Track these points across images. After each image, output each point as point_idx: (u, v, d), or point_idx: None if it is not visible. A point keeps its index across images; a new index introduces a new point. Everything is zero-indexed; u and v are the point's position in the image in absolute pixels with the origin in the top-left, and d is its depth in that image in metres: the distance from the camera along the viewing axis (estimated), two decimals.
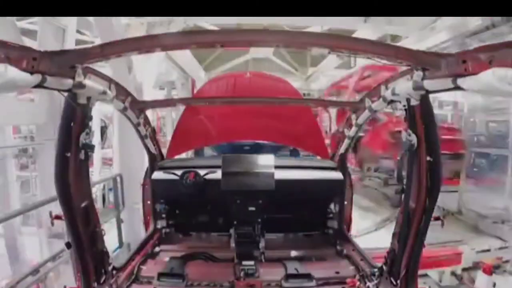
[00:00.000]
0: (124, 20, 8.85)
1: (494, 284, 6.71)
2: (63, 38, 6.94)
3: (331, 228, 5.85)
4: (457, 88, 2.49)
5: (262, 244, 5.09)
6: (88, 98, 3.24)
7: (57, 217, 3.63)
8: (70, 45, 7.45)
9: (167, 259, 4.92)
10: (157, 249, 5.34)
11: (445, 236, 8.62)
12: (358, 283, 4.35)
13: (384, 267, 4.04)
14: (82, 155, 3.37)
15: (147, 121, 5.04)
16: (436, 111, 5.28)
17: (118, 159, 11.18)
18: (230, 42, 3.29)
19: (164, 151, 6.10)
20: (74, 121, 3.21)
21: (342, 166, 5.71)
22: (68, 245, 3.52)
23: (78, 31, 8.71)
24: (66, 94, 3.06)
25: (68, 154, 3.22)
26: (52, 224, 3.69)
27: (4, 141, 9.71)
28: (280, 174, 5.36)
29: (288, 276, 4.44)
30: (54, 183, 3.29)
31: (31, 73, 2.32)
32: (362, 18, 9.64)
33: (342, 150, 5.54)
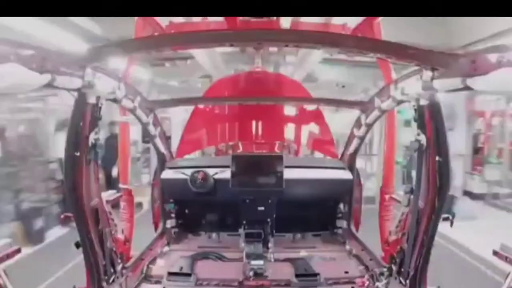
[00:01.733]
0: None
1: None
2: None
3: (340, 227, 5.83)
4: (467, 88, 2.48)
5: (271, 244, 5.09)
6: (98, 98, 3.26)
7: (67, 217, 3.65)
8: None
9: (176, 258, 4.93)
10: (166, 248, 5.35)
11: None
12: (367, 283, 4.33)
13: (393, 267, 4.03)
14: (91, 155, 3.39)
15: (156, 121, 5.06)
16: None
17: None
18: (238, 41, 3.30)
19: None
20: (84, 120, 3.23)
21: (351, 165, 5.69)
22: (77, 244, 3.54)
23: None
24: (75, 93, 3.08)
25: (78, 154, 3.24)
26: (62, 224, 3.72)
27: None
28: (290, 174, 5.36)
29: (297, 276, 4.43)
30: (64, 183, 3.31)
31: (40, 72, 2.33)
32: None
33: (351, 150, 5.52)
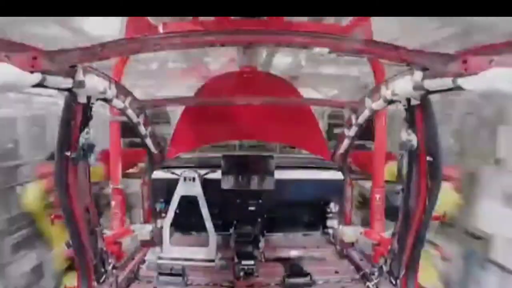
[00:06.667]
0: None
1: None
2: None
3: (331, 228, 5.84)
4: (458, 88, 2.49)
5: (262, 244, 5.09)
6: (88, 98, 3.24)
7: (57, 217, 3.62)
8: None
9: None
10: (157, 248, 5.34)
11: None
12: (358, 283, 4.36)
13: (384, 267, 4.04)
14: (81, 155, 3.37)
15: (147, 121, 5.04)
16: None
17: None
18: (229, 41, 3.30)
19: None
20: (74, 120, 3.21)
21: (342, 166, 5.70)
22: (68, 244, 3.51)
23: None
24: (66, 93, 3.07)
25: (68, 154, 3.22)
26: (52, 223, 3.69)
27: None
28: (281, 174, 5.36)
29: (288, 276, 4.44)
30: (54, 183, 3.29)
31: (31, 72, 2.31)
32: None
33: (342, 150, 5.53)
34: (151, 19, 5.58)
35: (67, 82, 2.82)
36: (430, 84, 2.81)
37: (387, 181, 5.23)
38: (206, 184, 5.37)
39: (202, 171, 5.44)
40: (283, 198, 5.54)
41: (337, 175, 5.64)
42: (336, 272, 4.71)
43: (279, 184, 5.31)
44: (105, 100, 3.62)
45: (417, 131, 3.32)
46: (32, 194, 6.12)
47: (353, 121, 4.86)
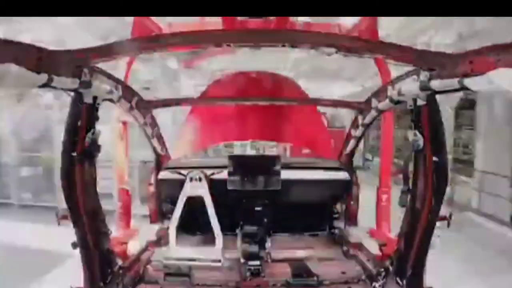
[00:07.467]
0: None
1: None
2: None
3: (338, 228, 5.83)
4: (464, 88, 2.48)
5: (268, 244, 5.08)
6: (95, 98, 3.25)
7: (64, 217, 3.63)
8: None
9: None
10: (163, 249, 5.34)
11: None
12: (364, 283, 4.34)
13: (390, 268, 4.03)
14: (88, 155, 3.38)
15: (153, 121, 5.04)
16: None
17: None
18: (236, 41, 3.30)
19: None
20: (80, 120, 3.22)
21: (348, 166, 5.69)
22: (74, 245, 3.52)
23: None
24: (72, 93, 3.07)
25: (74, 154, 3.22)
26: (59, 224, 3.69)
27: None
28: (287, 174, 5.35)
29: (294, 276, 4.43)
30: (60, 183, 3.29)
31: (38, 72, 2.32)
32: None
33: (348, 150, 5.52)
34: (156, 19, 5.62)
35: (74, 83, 2.82)
36: (437, 84, 2.80)
37: None
38: (212, 185, 5.36)
39: (208, 171, 5.44)
40: (290, 199, 5.53)
41: (343, 175, 5.63)
42: (343, 272, 4.69)
43: (285, 185, 5.31)
44: (112, 100, 3.63)
45: (423, 132, 3.30)
46: None
47: (360, 121, 4.85)
